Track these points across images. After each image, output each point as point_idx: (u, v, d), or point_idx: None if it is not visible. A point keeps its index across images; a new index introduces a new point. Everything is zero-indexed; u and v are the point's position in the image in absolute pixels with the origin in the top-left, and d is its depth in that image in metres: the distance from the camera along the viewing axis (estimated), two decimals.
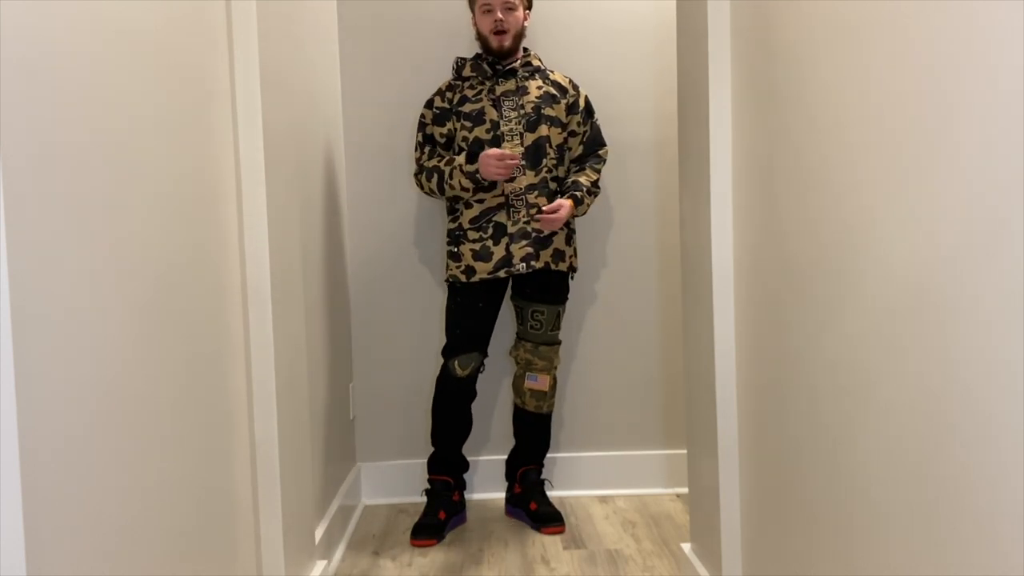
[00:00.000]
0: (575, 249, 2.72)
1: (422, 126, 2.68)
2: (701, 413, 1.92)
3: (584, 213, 2.69)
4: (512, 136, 2.59)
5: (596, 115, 2.76)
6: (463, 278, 2.60)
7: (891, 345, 1.07)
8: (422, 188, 2.67)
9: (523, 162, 2.57)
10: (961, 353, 0.91)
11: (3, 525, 0.82)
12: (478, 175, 2.51)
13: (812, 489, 1.36)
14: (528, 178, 2.58)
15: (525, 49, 2.71)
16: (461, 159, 2.55)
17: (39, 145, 0.91)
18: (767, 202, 1.55)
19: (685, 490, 2.87)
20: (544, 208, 2.57)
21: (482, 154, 2.50)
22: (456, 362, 2.61)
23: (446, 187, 2.58)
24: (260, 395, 1.69)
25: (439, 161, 2.61)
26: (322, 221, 2.54)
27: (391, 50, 2.94)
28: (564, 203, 2.58)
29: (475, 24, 2.67)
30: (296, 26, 2.19)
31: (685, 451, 2.59)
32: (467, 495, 2.88)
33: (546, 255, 2.60)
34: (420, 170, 2.65)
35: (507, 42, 2.60)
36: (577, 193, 2.63)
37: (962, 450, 0.91)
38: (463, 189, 2.55)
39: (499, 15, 2.58)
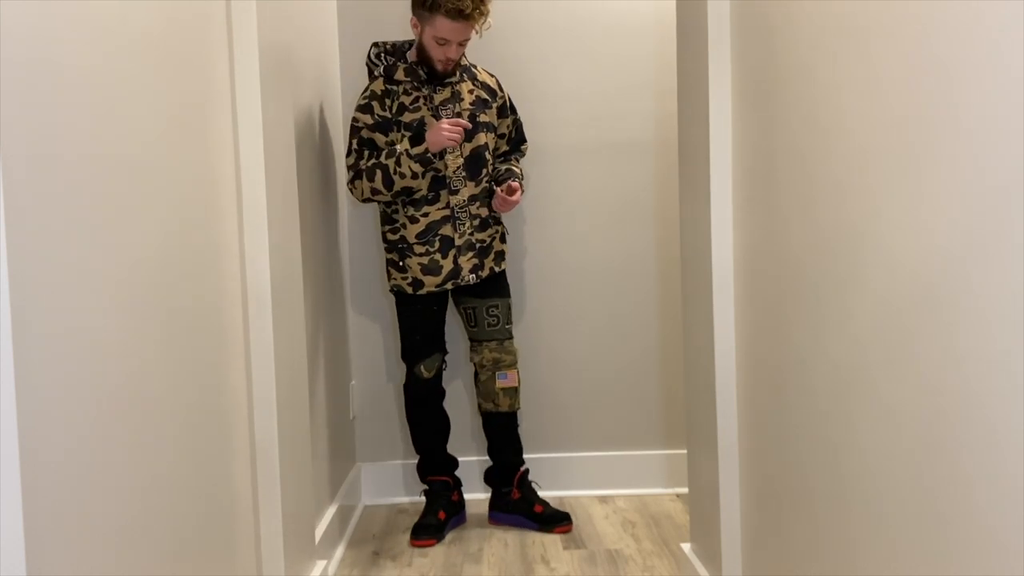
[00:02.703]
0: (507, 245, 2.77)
1: (356, 131, 2.54)
2: (701, 413, 1.92)
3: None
4: (453, 148, 2.55)
5: (517, 111, 2.76)
6: (409, 290, 2.59)
7: (891, 345, 1.07)
8: (360, 194, 2.53)
9: (469, 126, 2.52)
10: (962, 352, 0.91)
11: (3, 525, 0.82)
12: (428, 153, 2.46)
13: (812, 489, 1.36)
14: (469, 189, 2.57)
15: None
16: (405, 144, 2.50)
17: (39, 145, 0.91)
18: (767, 202, 1.55)
19: (685, 490, 2.87)
20: (502, 189, 2.56)
21: (431, 127, 2.47)
22: (422, 366, 2.63)
23: (395, 179, 2.47)
24: (260, 395, 1.69)
25: (378, 158, 2.51)
26: (322, 221, 2.54)
27: None
28: (517, 187, 2.57)
29: (416, 27, 2.52)
30: (296, 26, 2.19)
31: (685, 451, 2.58)
32: (466, 495, 2.87)
33: (489, 262, 2.63)
34: (357, 174, 2.52)
35: (449, 67, 2.56)
36: (519, 180, 2.65)
37: (962, 450, 0.91)
38: (413, 176, 2.48)
39: (452, 54, 2.50)
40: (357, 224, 2.97)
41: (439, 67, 2.54)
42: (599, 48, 2.96)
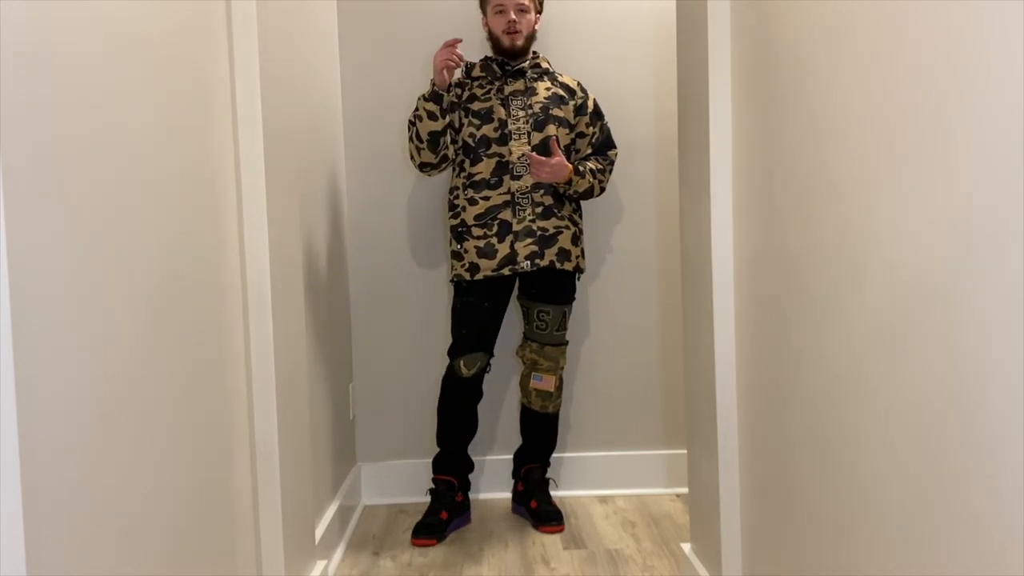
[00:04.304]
0: (582, 250, 2.70)
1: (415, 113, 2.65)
2: (701, 413, 1.92)
3: (581, 191, 2.62)
4: (520, 135, 2.59)
5: (606, 118, 2.75)
6: (467, 276, 2.58)
7: (891, 345, 1.07)
8: (414, 159, 2.63)
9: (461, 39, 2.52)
10: (961, 353, 0.91)
11: (3, 525, 0.82)
12: (435, 87, 2.50)
13: (812, 489, 1.36)
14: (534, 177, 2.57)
15: (534, 52, 2.72)
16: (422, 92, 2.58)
17: (39, 145, 0.91)
18: (767, 202, 1.55)
19: (685, 490, 2.87)
20: (535, 149, 2.58)
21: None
22: (462, 362, 2.60)
23: (418, 126, 2.55)
24: (260, 395, 1.69)
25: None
26: (322, 221, 2.54)
27: (391, 50, 2.94)
28: (561, 156, 2.54)
29: (486, 25, 2.69)
30: (296, 26, 2.19)
31: (685, 451, 2.58)
32: (475, 495, 2.88)
33: (551, 254, 2.58)
34: (409, 141, 2.64)
35: (519, 41, 2.62)
36: (580, 167, 2.62)
37: (962, 450, 0.91)
38: (431, 117, 2.52)
39: (512, 16, 2.60)
40: (360, 224, 2.97)
41: (506, 41, 2.62)
42: (599, 48, 2.97)
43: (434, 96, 2.51)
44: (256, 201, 1.67)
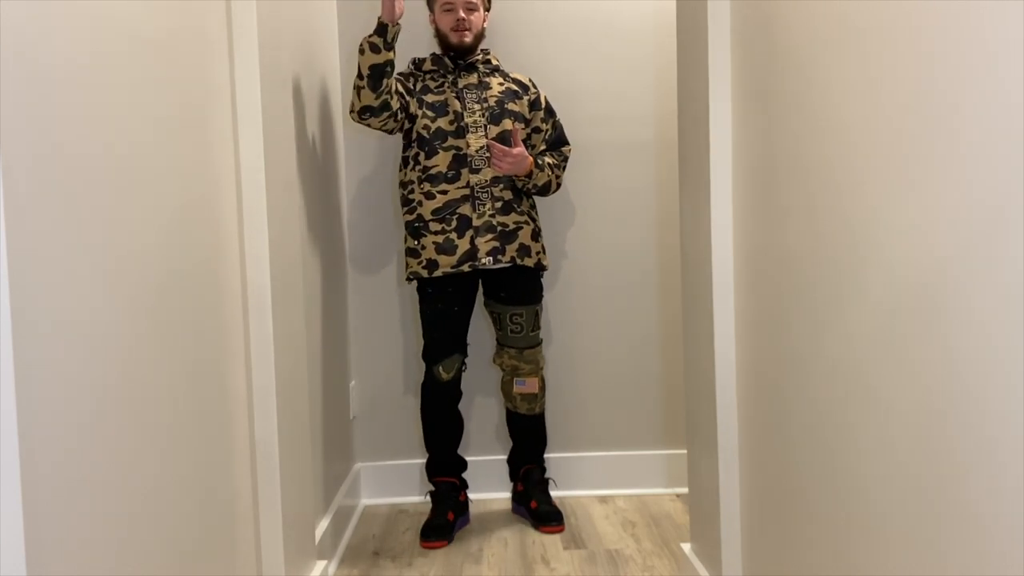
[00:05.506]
0: (543, 247, 2.68)
1: None
2: (701, 413, 1.92)
3: (541, 184, 2.60)
4: (476, 128, 2.57)
5: (557, 115, 2.75)
6: (425, 273, 2.54)
7: (891, 345, 1.07)
8: (353, 107, 2.44)
9: None
10: (961, 353, 0.91)
11: (3, 525, 0.82)
12: (382, 19, 2.33)
13: (812, 489, 1.36)
14: (493, 171, 2.55)
15: (483, 49, 2.71)
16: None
17: (39, 146, 0.91)
18: (767, 202, 1.55)
19: (685, 490, 2.87)
20: (495, 138, 2.55)
21: None
22: (440, 367, 2.60)
23: (360, 61, 2.37)
24: (260, 395, 1.69)
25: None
26: (322, 221, 2.54)
27: None
28: (523, 148, 2.51)
29: (433, 22, 2.66)
30: (296, 26, 2.19)
31: (685, 451, 2.58)
32: (471, 495, 2.88)
33: (512, 250, 2.56)
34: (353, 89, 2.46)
35: (468, 39, 2.60)
36: (539, 161, 2.61)
37: (962, 450, 0.91)
38: (373, 48, 2.34)
39: (461, 14, 2.57)
40: (359, 224, 2.97)
41: (454, 39, 2.59)
42: (599, 48, 2.97)
43: (379, 29, 2.36)
44: (256, 201, 1.67)
